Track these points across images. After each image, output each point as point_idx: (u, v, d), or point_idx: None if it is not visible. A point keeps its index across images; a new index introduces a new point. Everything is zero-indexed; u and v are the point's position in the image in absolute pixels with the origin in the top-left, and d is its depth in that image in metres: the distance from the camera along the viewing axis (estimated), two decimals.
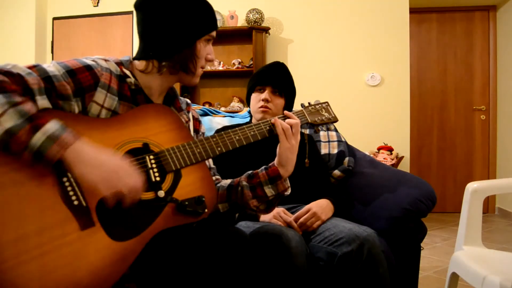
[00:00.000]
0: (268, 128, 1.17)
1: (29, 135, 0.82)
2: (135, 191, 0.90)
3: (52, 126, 0.85)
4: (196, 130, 1.30)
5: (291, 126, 1.17)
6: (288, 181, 1.20)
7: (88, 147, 0.88)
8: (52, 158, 0.84)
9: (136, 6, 1.12)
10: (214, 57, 1.18)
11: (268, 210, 1.23)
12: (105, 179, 0.87)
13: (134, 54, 1.15)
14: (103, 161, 0.88)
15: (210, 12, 1.13)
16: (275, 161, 1.19)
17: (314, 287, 1.34)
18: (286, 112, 1.21)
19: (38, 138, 0.83)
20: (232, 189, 1.21)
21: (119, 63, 1.11)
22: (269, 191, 1.17)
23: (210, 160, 1.27)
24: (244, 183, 1.19)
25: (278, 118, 1.19)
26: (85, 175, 0.86)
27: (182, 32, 1.08)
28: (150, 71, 1.11)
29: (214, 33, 1.15)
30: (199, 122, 1.33)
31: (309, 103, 1.34)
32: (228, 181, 1.25)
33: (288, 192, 1.20)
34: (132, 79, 1.10)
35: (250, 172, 1.22)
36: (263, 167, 1.20)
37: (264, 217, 1.48)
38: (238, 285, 0.99)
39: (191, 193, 1.01)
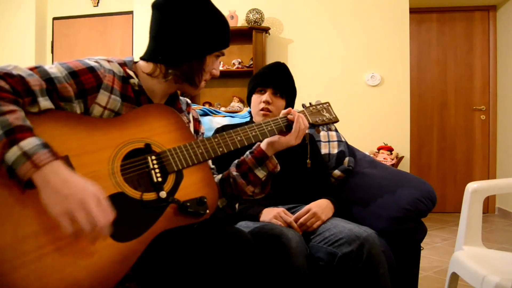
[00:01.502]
0: (269, 128, 1.17)
1: (4, 149, 0.78)
2: (100, 229, 0.80)
3: (29, 142, 0.80)
4: (196, 131, 1.30)
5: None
6: (274, 158, 1.23)
7: (60, 172, 0.80)
8: (23, 177, 0.79)
9: (156, 5, 1.10)
10: (219, 73, 1.18)
11: (264, 191, 1.24)
12: (67, 212, 0.78)
13: (138, 54, 1.14)
14: (70, 192, 0.79)
15: (226, 29, 1.13)
16: (263, 144, 1.20)
17: (314, 287, 1.34)
18: (291, 110, 1.23)
19: (13, 153, 0.78)
20: (224, 182, 1.22)
21: (123, 64, 1.10)
22: (260, 173, 1.19)
23: (210, 160, 1.27)
24: (235, 173, 1.20)
25: (280, 119, 1.21)
26: (48, 205, 0.79)
27: (196, 43, 1.08)
28: (157, 76, 1.10)
29: (224, 51, 1.15)
30: (199, 122, 1.33)
31: (310, 103, 1.34)
32: (219, 176, 1.25)
33: (278, 168, 1.22)
34: (135, 80, 1.09)
35: (236, 161, 1.23)
36: (247, 152, 1.22)
37: (264, 217, 1.48)
38: (238, 286, 0.99)
39: (192, 194, 1.02)
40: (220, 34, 1.12)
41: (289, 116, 1.21)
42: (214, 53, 1.12)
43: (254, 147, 1.21)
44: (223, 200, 1.23)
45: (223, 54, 1.15)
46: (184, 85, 1.13)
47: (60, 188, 0.79)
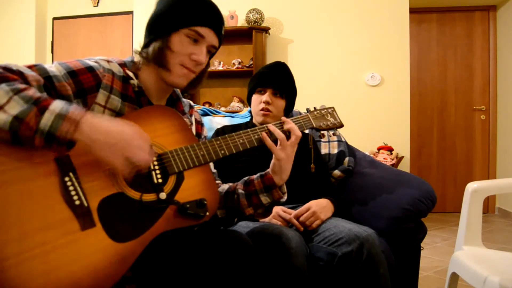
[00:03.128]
0: (281, 129, 1.16)
1: (37, 118, 0.81)
2: (149, 159, 0.91)
3: (57, 105, 0.83)
4: (198, 134, 1.29)
5: (289, 132, 1.15)
6: (284, 187, 1.19)
7: (97, 118, 0.87)
8: (65, 136, 0.82)
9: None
10: (202, 59, 1.06)
11: (265, 215, 1.23)
12: (126, 158, 0.87)
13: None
14: (119, 128, 0.87)
15: (200, 5, 1.05)
16: (269, 169, 1.17)
17: (314, 287, 1.34)
18: (284, 118, 1.18)
19: (47, 118, 0.81)
20: (229, 195, 1.21)
21: (122, 64, 1.10)
22: (264, 199, 1.17)
23: (211, 164, 1.26)
24: (240, 190, 1.19)
25: (275, 124, 1.16)
26: (105, 157, 0.86)
27: (159, 21, 1.07)
28: (139, 67, 1.11)
29: (202, 31, 1.05)
30: (202, 125, 1.31)
31: (314, 107, 1.33)
32: (226, 186, 1.24)
33: (284, 198, 1.20)
34: (135, 81, 1.09)
35: (246, 178, 1.21)
36: (258, 174, 1.19)
37: (263, 218, 1.48)
38: (238, 287, 0.99)
39: (193, 196, 1.01)
40: (189, 10, 1.04)
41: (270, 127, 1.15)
42: (182, 30, 1.04)
43: (266, 171, 1.18)
44: (223, 212, 1.21)
45: (201, 36, 1.05)
46: (158, 70, 1.07)
47: (108, 141, 0.85)
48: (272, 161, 1.16)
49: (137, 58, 1.11)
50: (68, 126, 0.82)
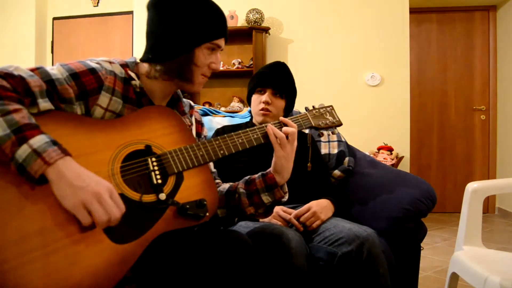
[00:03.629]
0: (280, 129, 1.16)
1: (14, 148, 0.79)
2: (114, 220, 0.84)
3: (38, 140, 0.81)
4: (198, 134, 1.29)
5: (287, 135, 1.14)
6: (285, 186, 1.20)
7: (72, 167, 0.83)
8: (34, 174, 0.80)
9: (148, 5, 1.11)
10: (219, 67, 1.13)
11: (266, 214, 1.23)
12: (83, 203, 0.81)
13: (138, 54, 1.14)
14: (84, 184, 0.82)
15: (216, 18, 1.09)
16: (271, 168, 1.17)
17: (314, 287, 1.34)
18: (282, 118, 1.19)
19: (24, 150, 0.79)
20: (230, 195, 1.20)
21: (124, 65, 1.09)
22: (266, 198, 1.17)
23: (211, 164, 1.26)
24: (242, 190, 1.18)
25: (274, 124, 1.16)
26: (63, 197, 0.82)
27: (180, 36, 1.05)
28: (152, 76, 1.10)
29: (219, 42, 1.09)
30: (202, 125, 1.32)
31: (313, 106, 1.33)
32: (227, 186, 1.24)
33: (286, 198, 1.20)
34: (137, 82, 1.09)
35: (247, 177, 1.21)
36: (260, 174, 1.19)
37: (264, 218, 1.48)
38: (239, 287, 0.99)
39: (192, 196, 1.01)
40: (208, 24, 1.07)
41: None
42: (203, 45, 1.07)
43: (268, 170, 1.18)
44: (223, 211, 1.21)
45: (218, 47, 1.10)
46: (178, 82, 1.11)
47: (75, 181, 0.81)
48: (273, 160, 1.16)
49: (145, 69, 1.10)
50: (40, 166, 0.80)
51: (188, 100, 1.31)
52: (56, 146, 0.83)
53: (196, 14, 1.06)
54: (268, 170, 1.19)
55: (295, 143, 1.16)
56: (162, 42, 1.07)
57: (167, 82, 1.11)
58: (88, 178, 0.83)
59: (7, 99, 0.83)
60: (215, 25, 1.08)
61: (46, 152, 0.80)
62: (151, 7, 1.10)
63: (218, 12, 1.10)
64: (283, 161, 1.14)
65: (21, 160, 0.79)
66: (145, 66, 1.11)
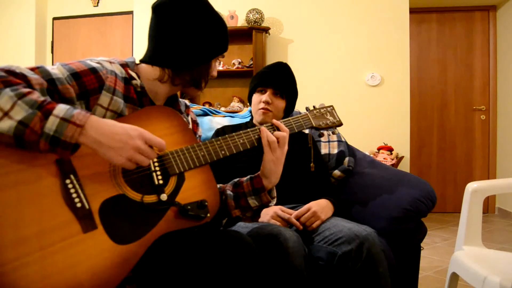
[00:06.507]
0: (272, 132, 1.17)
1: (42, 123, 0.81)
2: (153, 157, 0.93)
3: (61, 108, 0.84)
4: (194, 133, 1.29)
5: (277, 138, 1.15)
6: (274, 191, 1.20)
7: (101, 121, 0.88)
8: (70, 140, 0.83)
9: (156, 8, 1.10)
10: (216, 74, 1.21)
11: (253, 218, 1.23)
12: (129, 159, 0.88)
13: (138, 54, 1.14)
14: (121, 144, 0.88)
15: (226, 32, 1.16)
16: (260, 172, 1.17)
17: (314, 287, 1.34)
18: (274, 121, 1.19)
19: (52, 122, 0.82)
20: None
21: (124, 65, 1.09)
22: (252, 202, 1.17)
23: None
24: (229, 192, 1.19)
25: (266, 127, 1.17)
26: (111, 158, 0.87)
27: (203, 48, 1.10)
28: (166, 81, 1.11)
29: (225, 53, 1.18)
30: (197, 124, 1.32)
31: (314, 106, 1.33)
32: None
33: (273, 203, 1.20)
34: (138, 81, 1.09)
35: (236, 180, 1.21)
36: (248, 177, 1.19)
37: (263, 218, 1.48)
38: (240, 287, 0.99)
39: (194, 197, 1.01)
40: (223, 37, 1.14)
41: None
42: (218, 56, 1.15)
43: (256, 174, 1.18)
44: None
45: (223, 56, 1.19)
46: (189, 88, 1.15)
47: (112, 143, 0.87)
48: (262, 163, 1.16)
49: (157, 74, 1.11)
50: (73, 130, 0.83)
51: (184, 100, 1.31)
52: (78, 109, 0.86)
53: (214, 27, 1.12)
54: (257, 174, 1.19)
55: (286, 148, 1.16)
56: (183, 52, 1.08)
57: (175, 86, 1.13)
58: (122, 135, 0.88)
59: (19, 85, 0.85)
60: (226, 38, 1.16)
61: (74, 116, 0.83)
62: (162, 11, 1.08)
63: (225, 25, 1.16)
64: (272, 165, 1.15)
65: (52, 132, 0.81)
66: (152, 70, 1.11)
